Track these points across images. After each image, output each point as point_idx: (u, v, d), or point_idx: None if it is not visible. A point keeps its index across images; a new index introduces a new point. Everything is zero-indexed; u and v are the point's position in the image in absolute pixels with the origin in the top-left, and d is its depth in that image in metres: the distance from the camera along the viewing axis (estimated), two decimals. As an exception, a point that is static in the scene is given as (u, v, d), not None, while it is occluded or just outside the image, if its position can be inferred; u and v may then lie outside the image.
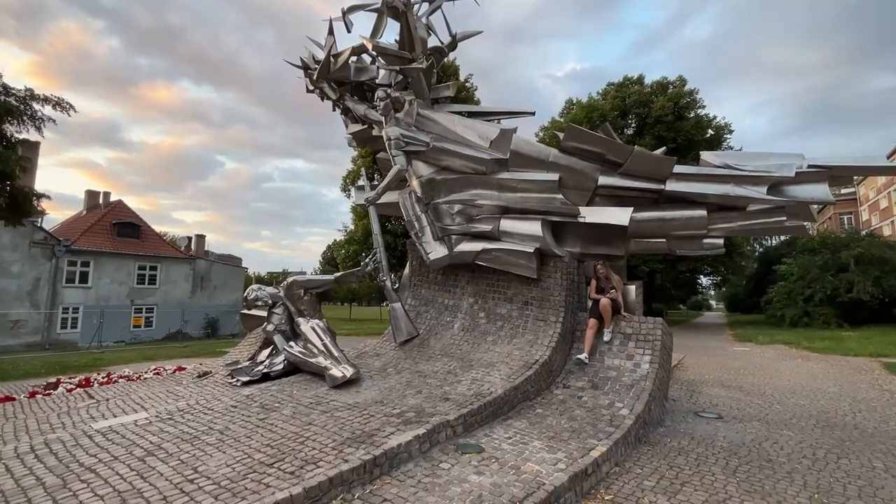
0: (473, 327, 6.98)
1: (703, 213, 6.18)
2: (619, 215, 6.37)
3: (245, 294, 7.73)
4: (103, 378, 9.52)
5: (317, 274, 45.00)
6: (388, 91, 7.87)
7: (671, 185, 6.25)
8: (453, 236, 7.18)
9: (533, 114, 8.42)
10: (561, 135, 7.24)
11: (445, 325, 7.27)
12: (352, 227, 30.48)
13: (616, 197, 6.76)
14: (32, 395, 7.87)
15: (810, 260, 26.92)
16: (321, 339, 6.42)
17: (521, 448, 4.15)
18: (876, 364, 11.70)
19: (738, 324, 33.41)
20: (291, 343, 6.82)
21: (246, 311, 9.48)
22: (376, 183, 7.90)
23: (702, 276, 40.95)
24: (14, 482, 3.31)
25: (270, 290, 7.80)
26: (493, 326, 6.82)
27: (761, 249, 42.09)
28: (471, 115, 8.26)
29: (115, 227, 28.86)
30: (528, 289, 6.84)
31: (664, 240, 6.55)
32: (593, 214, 6.57)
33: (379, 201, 7.77)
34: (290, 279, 7.52)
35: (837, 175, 6.18)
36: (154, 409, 5.33)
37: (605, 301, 6.16)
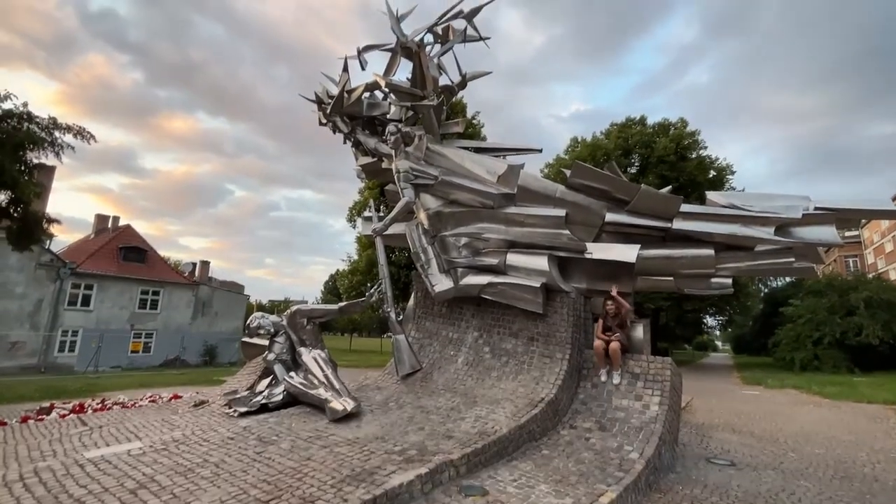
0: (478, 362, 6.85)
1: (711, 252, 6.16)
2: (626, 252, 6.36)
3: (248, 322, 7.66)
4: (98, 404, 9.33)
5: (319, 303, 44.79)
6: (399, 126, 8.08)
7: (678, 224, 6.27)
8: (459, 269, 7.17)
9: (540, 150, 8.59)
10: (568, 172, 7.35)
11: (449, 359, 7.14)
12: (356, 257, 30.57)
13: (623, 234, 6.77)
14: (25, 420, 7.70)
15: (817, 302, 26.62)
16: (322, 371, 6.30)
17: (526, 492, 3.98)
18: (891, 412, 11.33)
19: (745, 366, 32.67)
20: (292, 373, 6.70)
21: (247, 340, 9.38)
22: (383, 214, 7.98)
23: (707, 316, 40.42)
24: (0, 513, 3.18)
25: (273, 318, 7.74)
26: (498, 362, 6.69)
27: (766, 290, 41.74)
28: (479, 150, 8.43)
29: (121, 252, 29.07)
30: (533, 324, 6.75)
31: (671, 278, 6.51)
32: (600, 250, 6.57)
33: (386, 232, 7.82)
34: (293, 308, 7.47)
35: (844, 217, 6.19)
36: (148, 438, 5.18)
37: (615, 345, 6.05)
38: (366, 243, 29.43)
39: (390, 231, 7.93)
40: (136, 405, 9.26)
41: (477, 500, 3.76)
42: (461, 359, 7.05)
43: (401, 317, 7.37)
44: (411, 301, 8.57)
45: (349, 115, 9.04)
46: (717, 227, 6.15)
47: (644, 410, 5.60)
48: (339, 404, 5.54)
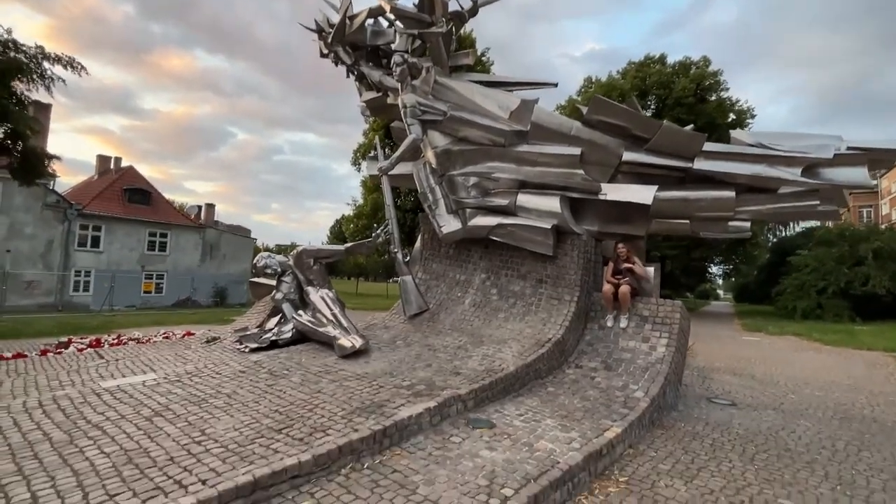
0: (485, 303, 6.85)
1: (732, 194, 5.90)
2: (643, 193, 6.11)
3: (254, 261, 7.64)
4: (114, 339, 9.61)
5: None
6: (406, 56, 7.56)
7: (699, 164, 5.96)
8: (468, 210, 6.98)
9: (555, 85, 8.07)
10: (584, 109, 6.93)
11: (456, 301, 7.14)
12: (361, 201, 30.28)
13: (639, 175, 6.48)
14: (44, 353, 7.94)
15: (826, 252, 26.37)
16: (330, 309, 6.33)
17: (533, 425, 4.05)
18: (890, 359, 11.46)
19: (747, 314, 33.07)
20: (300, 312, 6.75)
21: (255, 280, 9.45)
22: (390, 153, 7.66)
23: (712, 265, 40.43)
24: (21, 436, 3.27)
25: (280, 258, 7.70)
26: (506, 303, 6.68)
27: (775, 240, 41.36)
28: (490, 84, 7.92)
29: (126, 193, 28.91)
30: (542, 266, 6.66)
31: (687, 221, 6.30)
32: (615, 192, 6.32)
33: (392, 172, 7.56)
34: (299, 248, 7.40)
35: (877, 159, 5.86)
36: (162, 370, 5.31)
37: (625, 289, 5.96)
38: (371, 187, 29.02)
39: (397, 171, 7.67)
40: (151, 341, 9.52)
41: (484, 433, 3.83)
42: (468, 300, 7.05)
43: (408, 258, 7.30)
44: (418, 243, 8.47)
45: (352, 44, 8.46)
46: (741, 168, 5.84)
47: (650, 352, 5.62)
48: (348, 341, 5.60)
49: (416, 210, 26.82)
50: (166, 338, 10.03)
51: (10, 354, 7.56)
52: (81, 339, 9.85)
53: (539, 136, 6.72)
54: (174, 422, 3.54)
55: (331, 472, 3.04)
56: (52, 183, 24.85)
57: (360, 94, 9.32)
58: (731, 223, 6.17)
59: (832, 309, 24.13)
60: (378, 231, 7.27)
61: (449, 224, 7.13)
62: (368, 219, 28.07)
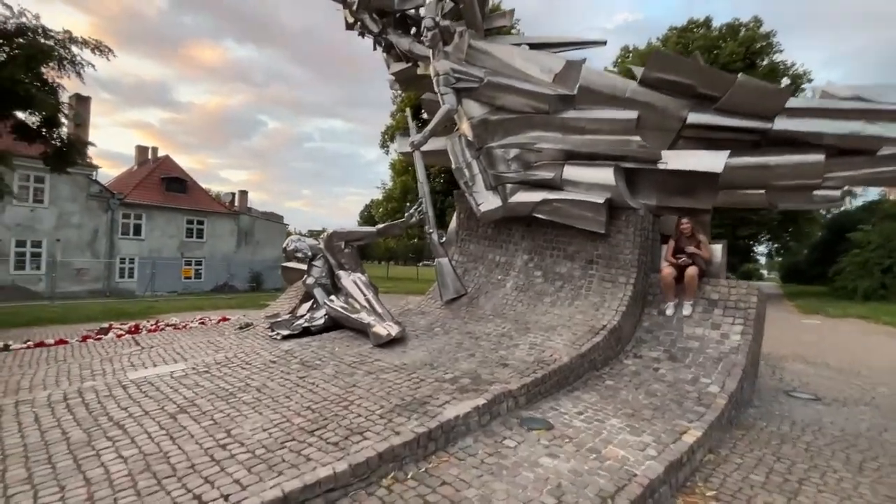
0: (528, 287, 6.30)
1: (821, 157, 5.05)
2: (712, 161, 5.35)
3: (284, 245, 7.35)
4: (152, 325, 9.67)
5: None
6: (437, 19, 6.93)
7: (781, 123, 5.13)
8: (508, 185, 6.38)
9: (604, 43, 7.26)
10: (637, 70, 6.17)
11: (496, 284, 6.62)
12: (390, 184, 29.96)
13: (705, 140, 5.70)
14: (84, 339, 8.00)
15: (894, 227, 24.16)
16: (364, 295, 5.94)
17: (596, 426, 3.54)
18: (984, 344, 10.21)
19: (798, 295, 31.03)
20: (332, 297, 6.41)
21: (286, 264, 9.23)
22: (422, 128, 7.12)
23: (758, 244, 38.06)
24: (39, 435, 3.03)
25: (310, 241, 7.38)
26: (552, 286, 6.11)
27: (829, 216, 38.46)
28: (531, 47, 7.21)
29: (164, 182, 29.65)
30: (592, 245, 6.03)
31: (763, 191, 5.49)
32: (678, 160, 5.58)
33: (425, 147, 7.02)
34: (330, 231, 7.04)
35: None
36: (193, 360, 5.07)
37: (693, 271, 5.26)
38: (400, 169, 28.64)
39: (430, 146, 7.13)
40: (187, 327, 9.52)
41: (541, 435, 3.35)
42: (510, 283, 6.52)
43: (443, 238, 6.81)
44: (453, 223, 7.96)
45: (379, 10, 7.88)
46: (833, 126, 4.98)
47: (722, 340, 4.95)
48: (383, 329, 5.20)
49: (447, 192, 26.29)
50: (202, 323, 10.03)
51: (52, 341, 7.64)
52: (122, 324, 9.98)
53: (588, 100, 6.01)
54: (199, 420, 3.23)
55: (370, 484, 2.63)
56: (94, 174, 25.71)
57: (388, 67, 8.77)
58: (816, 192, 5.33)
59: (900, 289, 22.18)
60: (411, 211, 6.80)
61: (488, 201, 6.57)
62: (398, 202, 27.79)
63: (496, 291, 6.51)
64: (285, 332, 6.26)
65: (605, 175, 5.76)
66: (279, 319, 6.72)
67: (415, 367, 4.36)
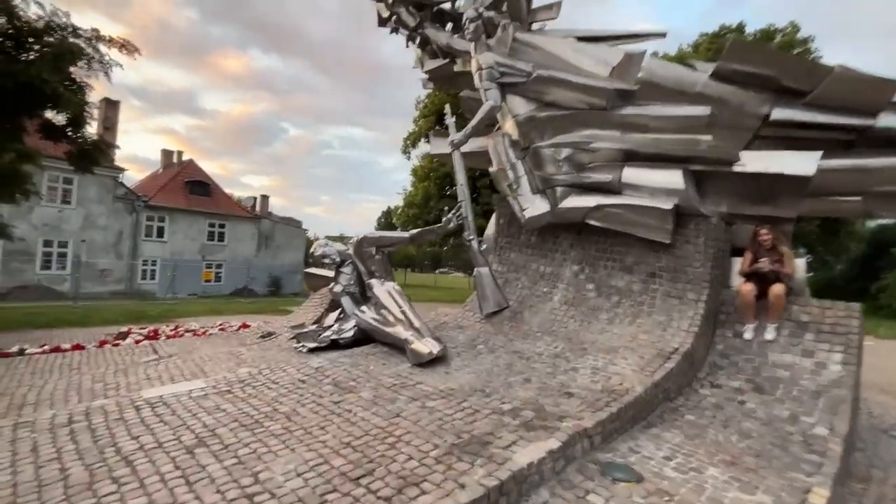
0: (580, 301, 5.67)
1: (935, 159, 4.35)
2: (802, 163, 4.68)
3: (311, 250, 6.89)
4: (171, 330, 9.32)
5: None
6: (480, 10, 6.45)
7: (886, 120, 4.45)
8: (558, 189, 5.79)
9: (664, 35, 6.66)
10: (700, 65, 5.58)
11: (542, 297, 6.01)
12: (411, 189, 29.60)
13: (786, 139, 5.04)
14: (102, 344, 7.65)
15: (945, 243, 22.65)
16: (399, 306, 5.40)
17: (696, 479, 2.89)
18: None
19: (837, 312, 29.36)
20: (363, 308, 5.89)
21: (311, 270, 8.79)
22: (462, 126, 6.59)
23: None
24: (34, 471, 2.55)
25: (339, 246, 6.91)
26: (608, 302, 5.47)
27: (874, 228, 36.61)
28: (579, 40, 6.65)
29: (187, 186, 29.88)
30: (655, 256, 5.38)
31: (859, 198, 4.79)
32: (758, 161, 4.92)
33: (463, 148, 6.50)
34: (360, 235, 6.55)
35: None
36: (213, 374, 4.60)
37: (779, 289, 4.57)
38: (421, 175, 28.24)
39: (468, 147, 6.62)
40: (207, 333, 9.14)
41: (632, 488, 2.73)
42: (557, 297, 5.90)
43: (483, 246, 6.25)
44: (491, 228, 7.38)
45: (417, 3, 7.44)
46: (952, 123, 4.28)
47: (818, 370, 4.25)
48: (424, 346, 4.63)
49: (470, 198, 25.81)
50: (222, 329, 9.65)
51: (68, 346, 7.30)
52: (141, 328, 9.64)
53: (651, 95, 5.41)
54: (221, 457, 2.70)
55: (435, 558, 2.06)
56: (120, 176, 26.03)
57: (423, 65, 8.31)
58: (926, 200, 4.61)
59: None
60: (449, 216, 6.26)
61: (534, 206, 5.99)
62: (419, 208, 27.33)
63: (542, 305, 5.90)
64: (312, 345, 5.77)
65: (671, 178, 5.13)
66: (304, 330, 6.23)
67: (464, 392, 3.78)
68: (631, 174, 5.39)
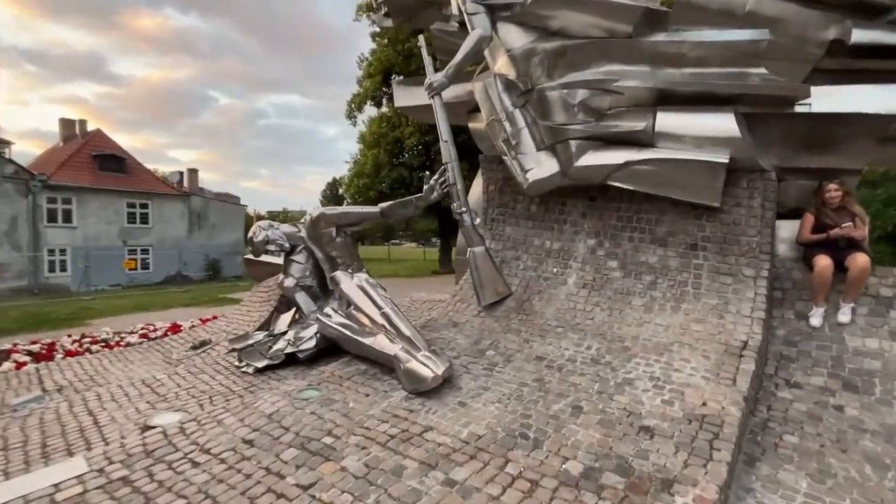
0: (602, 283, 4.57)
1: None
2: (883, 99, 3.72)
3: (250, 234, 5.28)
4: (73, 344, 7.34)
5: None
6: (460, -90, 4.87)
7: None
8: (572, 143, 4.53)
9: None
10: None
11: (553, 280, 4.86)
12: (360, 157, 27.41)
13: (855, 71, 4.08)
14: (-35, 375, 5.67)
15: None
16: (378, 307, 4.02)
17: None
18: None
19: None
20: (327, 309, 4.47)
21: (251, 257, 7.10)
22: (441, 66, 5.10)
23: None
24: None
25: (286, 227, 5.35)
26: (638, 283, 4.40)
27: None
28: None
29: (96, 160, 25.78)
30: (695, 225, 4.35)
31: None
32: (830, 99, 3.92)
33: (443, 97, 5.06)
34: (315, 212, 5.04)
35: None
36: (107, 440, 3.06)
37: (864, 261, 3.65)
38: (370, 141, 26.04)
39: (449, 93, 5.18)
40: (122, 343, 7.29)
41: None
42: (572, 279, 4.77)
43: (478, 219, 4.94)
44: (477, 193, 6.06)
45: None
46: None
47: (918, 358, 3.44)
48: (423, 367, 3.32)
49: (423, 167, 23.99)
50: (143, 337, 7.79)
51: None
52: (32, 343, 7.53)
53: (688, 18, 4.21)
54: None
55: None
56: (6, 151, 21.82)
57: (377, -5, 6.61)
58: None
59: None
60: (431, 182, 4.85)
61: (539, 166, 4.72)
62: (370, 178, 25.35)
63: (554, 291, 4.75)
64: (261, 364, 4.31)
65: (722, 123, 4.02)
66: (248, 343, 4.71)
67: (499, 443, 2.56)
68: (667, 121, 4.23)
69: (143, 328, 8.64)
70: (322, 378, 3.62)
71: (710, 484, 2.14)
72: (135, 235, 25.96)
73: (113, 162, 26.28)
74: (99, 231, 24.65)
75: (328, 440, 2.66)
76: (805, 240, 4.07)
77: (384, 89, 25.83)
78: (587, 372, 3.43)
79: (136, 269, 25.18)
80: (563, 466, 2.32)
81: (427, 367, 3.29)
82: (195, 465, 2.48)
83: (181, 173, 31.31)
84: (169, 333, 7.84)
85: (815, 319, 3.84)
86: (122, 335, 8.06)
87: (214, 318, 8.48)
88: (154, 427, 3.11)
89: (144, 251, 26.46)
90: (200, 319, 9.27)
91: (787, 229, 4.35)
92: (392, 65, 23.98)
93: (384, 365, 3.67)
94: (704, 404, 2.87)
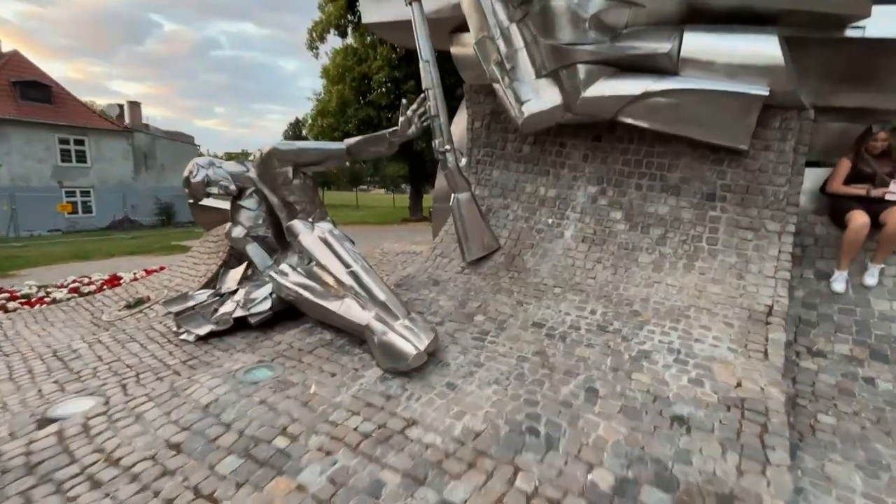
0: (604, 237, 4.01)
1: None
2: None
3: (186, 173, 4.34)
4: (-14, 301, 6.29)
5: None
6: None
7: None
8: (581, 67, 3.75)
9: None
10: None
11: (548, 233, 4.26)
12: (323, 94, 25.26)
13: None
14: None
15: None
16: (345, 264, 3.32)
17: None
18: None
19: None
20: (284, 265, 3.72)
21: (199, 201, 6.09)
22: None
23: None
24: None
25: (231, 167, 4.44)
26: (646, 237, 3.87)
27: None
28: None
29: (16, 88, 22.53)
30: (714, 171, 3.78)
31: None
32: (888, 20, 3.28)
33: (424, 4, 4.10)
34: (266, 148, 4.14)
35: None
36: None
37: None
38: (335, 76, 23.81)
39: (426, 6, 4.21)
40: (47, 300, 6.30)
41: None
42: (570, 231, 4.18)
43: (464, 160, 4.18)
44: (458, 129, 5.24)
45: None
46: None
47: (953, 324, 3.11)
48: (404, 341, 2.69)
49: (392, 106, 22.26)
50: (73, 291, 6.81)
51: None
52: (-65, 300, 6.42)
53: None
54: None
55: None
56: None
57: None
58: None
59: None
60: (408, 114, 3.98)
61: (539, 97, 3.95)
62: (335, 117, 23.47)
63: (550, 245, 4.16)
64: (203, 331, 3.60)
65: (762, 47, 3.34)
66: (188, 305, 3.93)
67: (504, 444, 2.02)
68: (696, 43, 3.50)
69: (74, 281, 7.61)
70: (277, 351, 2.96)
71: (777, 501, 1.68)
72: (71, 175, 23.44)
73: (36, 90, 23.07)
74: (28, 170, 22.05)
75: (282, 442, 2.05)
76: (837, 191, 3.59)
77: (349, 17, 23.40)
78: (595, 342, 2.93)
79: (75, 213, 22.98)
80: (589, 477, 1.81)
81: (408, 340, 2.67)
82: (95, 485, 1.82)
83: (120, 106, 28.09)
84: (105, 288, 6.90)
85: (839, 284, 3.44)
86: (49, 289, 7.04)
87: (161, 269, 7.52)
88: (55, 420, 2.41)
89: (85, 193, 24.10)
90: (145, 270, 8.30)
91: (810, 178, 3.85)
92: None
93: (347, 332, 3.04)
94: (739, 385, 2.42)
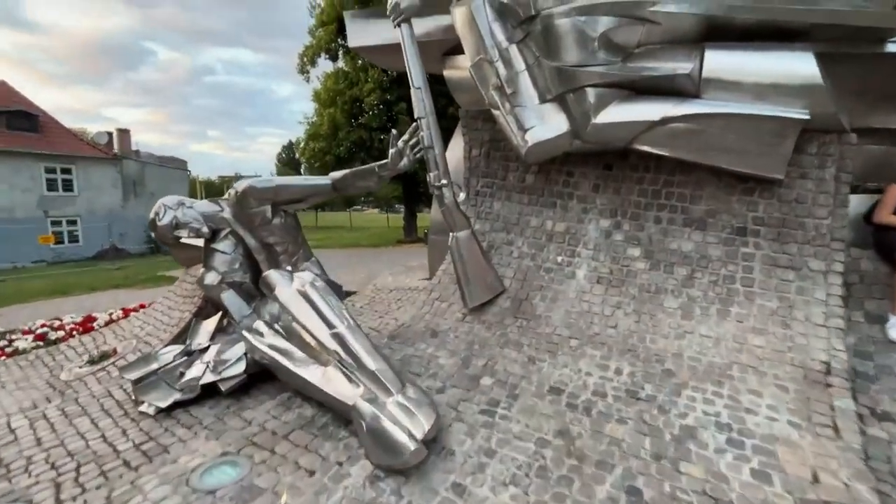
0: (622, 278, 3.57)
1: None
2: None
3: (152, 215, 3.89)
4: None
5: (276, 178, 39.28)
6: None
7: None
8: (590, 91, 3.37)
9: None
10: None
11: (557, 273, 3.81)
12: (315, 118, 25.08)
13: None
14: None
15: None
16: (328, 324, 2.83)
17: None
18: None
19: None
20: (259, 324, 3.23)
21: (180, 238, 5.61)
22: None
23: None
24: None
25: (203, 206, 4.00)
26: (670, 278, 3.43)
27: None
28: None
29: (2, 118, 22.17)
30: (743, 202, 3.37)
31: None
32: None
33: (415, 25, 3.74)
34: (242, 184, 3.72)
35: None
36: None
37: None
38: (326, 99, 23.67)
39: (418, 27, 3.85)
40: (5, 353, 5.74)
41: None
42: (582, 271, 3.74)
43: (462, 195, 3.75)
44: (455, 157, 4.83)
45: None
46: None
47: None
48: (399, 431, 2.20)
49: (384, 129, 22.06)
50: (40, 339, 6.24)
51: None
52: None
53: (750, -86, 3.05)
54: None
55: None
56: None
57: None
58: None
59: None
60: (399, 145, 3.57)
61: (543, 123, 3.55)
62: (326, 140, 23.23)
63: (560, 287, 3.71)
64: (165, 403, 3.09)
65: (798, 66, 2.97)
66: (149, 370, 3.40)
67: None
68: (719, 61, 3.13)
69: (43, 325, 7.03)
70: (246, 436, 2.46)
71: None
72: (57, 205, 22.91)
73: (23, 119, 22.74)
74: (14, 200, 21.53)
75: None
76: (888, 222, 3.18)
77: (339, 40, 23.38)
78: (627, 416, 2.45)
79: (60, 243, 22.39)
80: None
81: (403, 428, 2.18)
82: None
83: (109, 134, 27.76)
84: (75, 333, 6.34)
85: (894, 329, 3.00)
86: (14, 336, 6.46)
87: (142, 306, 7.00)
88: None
89: (72, 222, 23.55)
90: (122, 310, 7.74)
91: (851, 205, 3.46)
92: (347, 10, 21.52)
93: (329, 407, 2.55)
94: (816, 479, 1.94)
